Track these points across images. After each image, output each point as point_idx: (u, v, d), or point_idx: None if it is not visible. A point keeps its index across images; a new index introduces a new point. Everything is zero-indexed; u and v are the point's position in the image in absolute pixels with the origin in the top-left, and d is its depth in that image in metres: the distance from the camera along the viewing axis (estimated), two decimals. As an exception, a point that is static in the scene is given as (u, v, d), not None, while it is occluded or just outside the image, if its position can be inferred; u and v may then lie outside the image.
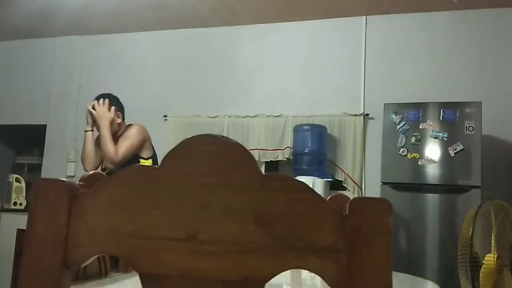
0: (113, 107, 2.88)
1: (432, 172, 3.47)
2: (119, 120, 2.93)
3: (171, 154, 0.57)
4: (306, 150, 4.02)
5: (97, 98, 2.90)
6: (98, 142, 2.82)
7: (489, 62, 4.01)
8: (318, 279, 1.24)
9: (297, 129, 4.16)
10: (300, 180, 0.57)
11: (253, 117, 4.50)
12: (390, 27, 4.33)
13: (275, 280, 0.54)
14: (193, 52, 4.87)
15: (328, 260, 0.53)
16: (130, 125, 2.97)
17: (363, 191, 4.14)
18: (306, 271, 0.55)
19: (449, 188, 3.42)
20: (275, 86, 4.52)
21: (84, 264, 0.59)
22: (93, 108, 2.85)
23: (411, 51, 4.23)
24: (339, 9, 4.29)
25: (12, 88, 5.39)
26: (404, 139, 3.56)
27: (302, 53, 4.53)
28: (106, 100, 2.88)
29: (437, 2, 4.02)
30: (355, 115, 4.23)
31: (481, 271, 2.21)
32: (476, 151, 3.38)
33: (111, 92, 3.08)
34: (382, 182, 3.59)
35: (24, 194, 4.64)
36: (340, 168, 4.20)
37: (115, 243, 0.57)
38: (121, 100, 3.19)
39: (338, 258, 0.53)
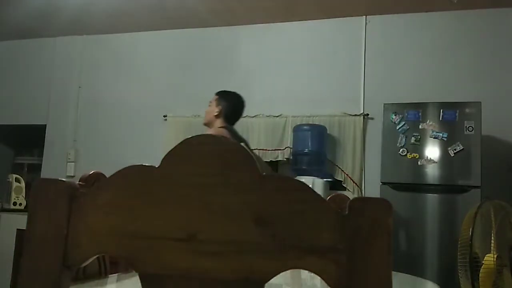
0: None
1: (432, 172, 3.47)
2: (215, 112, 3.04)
3: (171, 154, 0.57)
4: (306, 150, 4.02)
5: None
6: None
7: (489, 62, 4.01)
8: (318, 279, 1.24)
9: (297, 129, 4.16)
10: (300, 180, 0.57)
11: (253, 117, 4.50)
12: (390, 27, 4.33)
13: (275, 280, 0.54)
14: (193, 52, 4.87)
15: (328, 260, 0.53)
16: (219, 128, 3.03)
17: (363, 191, 4.14)
18: (306, 271, 0.55)
19: (448, 188, 3.42)
20: (275, 86, 4.52)
21: (84, 264, 0.59)
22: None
23: (411, 51, 4.23)
24: (339, 9, 4.29)
25: (12, 88, 5.39)
26: (403, 139, 3.56)
27: (302, 53, 4.53)
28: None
29: (437, 2, 4.02)
30: (355, 115, 4.23)
31: (480, 271, 2.21)
32: (476, 151, 3.38)
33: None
34: (381, 182, 3.59)
35: (23, 194, 4.63)
36: (339, 168, 4.20)
37: (115, 243, 0.56)
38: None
39: (338, 258, 0.53)
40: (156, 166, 0.57)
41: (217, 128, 2.95)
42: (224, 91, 3.15)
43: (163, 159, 0.57)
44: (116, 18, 4.72)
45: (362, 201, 0.55)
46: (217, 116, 3.01)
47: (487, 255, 2.22)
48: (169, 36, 4.96)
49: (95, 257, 0.59)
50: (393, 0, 4.07)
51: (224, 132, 2.87)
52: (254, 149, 4.38)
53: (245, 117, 4.57)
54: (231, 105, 3.07)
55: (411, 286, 1.91)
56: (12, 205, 4.56)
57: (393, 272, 0.59)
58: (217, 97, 3.09)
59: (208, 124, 3.05)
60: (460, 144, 3.42)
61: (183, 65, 4.87)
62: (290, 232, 0.54)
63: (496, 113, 3.73)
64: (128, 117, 4.93)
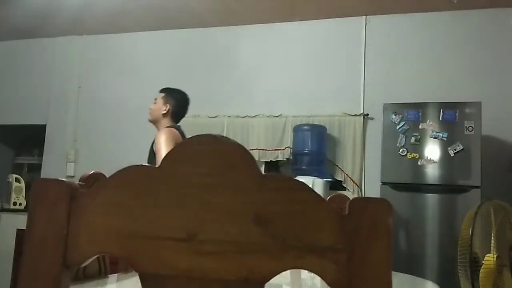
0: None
1: (432, 172, 3.46)
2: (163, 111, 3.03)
3: (171, 154, 0.57)
4: (306, 150, 4.02)
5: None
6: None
7: (489, 62, 4.01)
8: (318, 279, 1.24)
9: (297, 129, 4.16)
10: (300, 180, 0.57)
11: (253, 117, 4.50)
12: (390, 27, 4.33)
13: (275, 280, 0.54)
14: (193, 52, 4.87)
15: (328, 260, 0.53)
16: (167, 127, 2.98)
17: (363, 191, 4.14)
18: (306, 271, 0.55)
19: (448, 188, 3.42)
20: (275, 86, 4.52)
21: (84, 264, 0.59)
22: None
23: (411, 51, 4.23)
24: (339, 9, 4.29)
25: (12, 88, 5.39)
26: (403, 139, 3.56)
27: (302, 53, 4.53)
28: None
29: (437, 2, 4.02)
30: (355, 115, 4.23)
31: (480, 271, 2.21)
32: (476, 151, 3.38)
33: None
34: (381, 182, 3.58)
35: (23, 194, 4.63)
36: (339, 168, 4.20)
37: (115, 243, 0.57)
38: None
39: (338, 258, 0.53)
40: (156, 166, 0.57)
41: (166, 128, 2.92)
42: (170, 88, 3.12)
43: (163, 159, 0.57)
44: (116, 18, 4.72)
45: (362, 201, 0.55)
46: (164, 115, 3.00)
47: (487, 255, 2.22)
48: (169, 36, 4.96)
49: (95, 257, 0.59)
50: (393, 0, 4.07)
51: (174, 133, 2.86)
52: (254, 149, 4.39)
53: (245, 117, 4.60)
54: (178, 103, 3.06)
55: (411, 286, 1.91)
56: (12, 205, 4.56)
57: (393, 272, 0.59)
58: (163, 94, 3.06)
59: (154, 122, 3.04)
60: (460, 144, 3.42)
61: (183, 65, 4.87)
62: (290, 232, 0.54)
63: (496, 113, 3.73)
64: (128, 117, 4.93)
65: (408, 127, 3.57)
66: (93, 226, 0.57)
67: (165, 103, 3.02)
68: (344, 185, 4.16)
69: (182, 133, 2.96)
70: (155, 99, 3.06)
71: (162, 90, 3.10)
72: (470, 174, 3.37)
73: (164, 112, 3.00)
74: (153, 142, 2.93)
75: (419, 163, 3.49)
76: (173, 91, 3.09)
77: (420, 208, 3.46)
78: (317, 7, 4.26)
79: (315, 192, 0.54)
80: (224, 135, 0.65)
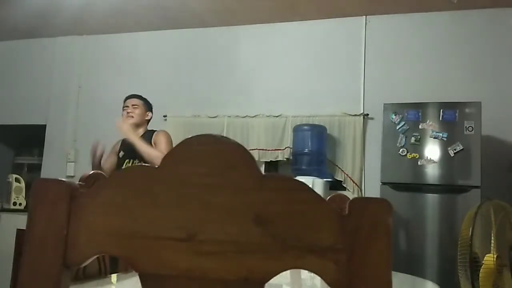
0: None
1: (432, 172, 3.46)
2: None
3: (171, 154, 0.57)
4: (306, 150, 4.02)
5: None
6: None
7: (489, 62, 4.01)
8: (318, 279, 1.24)
9: (297, 129, 4.16)
10: (300, 180, 0.57)
11: (253, 117, 4.50)
12: (390, 27, 4.33)
13: (275, 280, 0.54)
14: (193, 52, 4.87)
15: (328, 260, 0.53)
16: (154, 131, 3.20)
17: (363, 191, 4.14)
18: (306, 271, 0.55)
19: (448, 188, 3.42)
20: (275, 86, 4.52)
21: (84, 264, 0.59)
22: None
23: (411, 51, 4.23)
24: (339, 9, 4.29)
25: (12, 88, 5.38)
26: (403, 139, 3.56)
27: (302, 53, 4.53)
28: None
29: (437, 2, 4.02)
30: (355, 115, 4.23)
31: (480, 271, 2.21)
32: (476, 151, 3.38)
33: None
34: (381, 182, 3.58)
35: (23, 194, 4.63)
36: (339, 168, 4.19)
37: (115, 243, 0.57)
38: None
39: (338, 258, 0.53)
40: (156, 166, 0.57)
41: (161, 130, 3.21)
42: (145, 98, 3.32)
43: (163, 159, 0.57)
44: (116, 18, 4.72)
45: (362, 201, 0.55)
46: (147, 121, 3.25)
47: (487, 255, 2.22)
48: (169, 36, 4.95)
49: (95, 257, 0.59)
50: (393, 0, 4.07)
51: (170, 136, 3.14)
52: (254, 149, 4.39)
53: (245, 117, 4.59)
54: (152, 112, 3.32)
55: (411, 286, 1.91)
56: (12, 205, 4.56)
57: (393, 272, 0.59)
58: (142, 102, 3.27)
59: (136, 125, 3.19)
60: (460, 144, 3.42)
61: (183, 65, 4.87)
62: (290, 232, 0.54)
63: (496, 113, 3.73)
64: (128, 117, 4.92)
65: (408, 127, 3.57)
66: (93, 226, 0.57)
67: (147, 110, 3.25)
68: (344, 185, 4.16)
69: None
70: (135, 105, 3.22)
71: (139, 97, 3.28)
72: (470, 174, 3.37)
73: (148, 118, 3.25)
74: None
75: (419, 163, 3.49)
76: (147, 100, 3.31)
77: (420, 208, 3.46)
78: (317, 7, 4.26)
79: (315, 192, 0.54)
80: (224, 135, 0.66)
